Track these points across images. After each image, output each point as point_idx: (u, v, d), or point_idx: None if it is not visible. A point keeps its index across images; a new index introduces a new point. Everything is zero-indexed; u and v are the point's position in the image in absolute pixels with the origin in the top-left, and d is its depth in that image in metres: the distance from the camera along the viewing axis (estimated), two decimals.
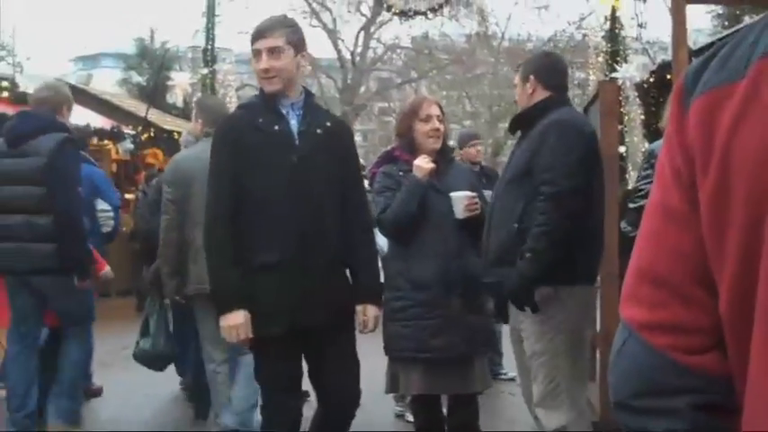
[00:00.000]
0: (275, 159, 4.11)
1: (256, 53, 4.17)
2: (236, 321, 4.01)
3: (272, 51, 4.14)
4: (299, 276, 4.06)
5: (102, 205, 7.06)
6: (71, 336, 6.08)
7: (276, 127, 4.15)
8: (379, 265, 4.81)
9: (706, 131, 1.12)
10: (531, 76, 4.51)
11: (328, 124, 4.30)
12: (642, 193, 4.11)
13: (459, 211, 4.77)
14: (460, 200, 4.77)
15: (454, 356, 4.74)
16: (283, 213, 4.08)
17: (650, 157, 4.20)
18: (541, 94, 4.48)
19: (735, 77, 1.11)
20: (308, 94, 4.32)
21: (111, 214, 7.19)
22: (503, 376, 7.88)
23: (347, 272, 4.34)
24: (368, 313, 4.28)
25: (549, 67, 4.59)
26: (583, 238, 4.17)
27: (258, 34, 4.21)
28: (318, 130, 4.24)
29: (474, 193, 4.84)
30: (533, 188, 4.19)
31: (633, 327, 1.21)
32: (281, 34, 4.16)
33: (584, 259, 4.28)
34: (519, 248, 4.16)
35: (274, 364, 4.19)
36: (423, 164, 4.79)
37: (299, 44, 4.20)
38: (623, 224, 4.10)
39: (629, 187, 13.05)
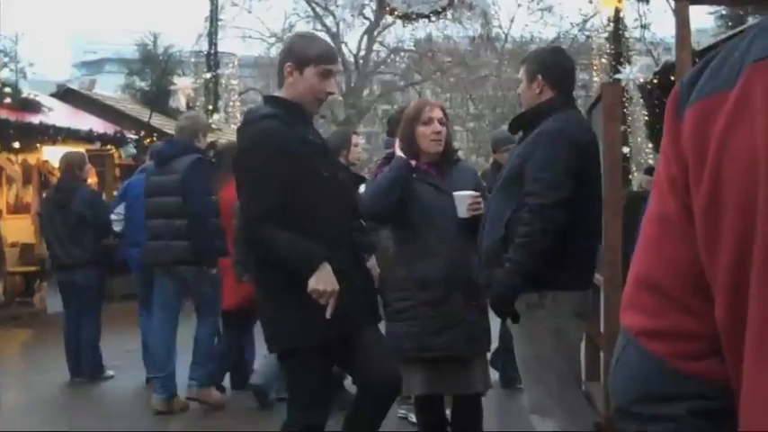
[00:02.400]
0: (322, 171, 4.15)
1: (328, 74, 4.20)
2: (326, 274, 3.92)
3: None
4: (354, 282, 4.12)
5: None
6: (204, 315, 7.36)
7: (318, 141, 4.26)
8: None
9: (699, 140, 1.12)
10: (539, 76, 4.41)
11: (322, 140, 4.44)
12: None
13: (463, 211, 4.76)
14: (464, 199, 4.77)
15: (455, 356, 4.73)
16: (332, 223, 4.13)
17: None
18: (547, 94, 4.42)
19: (727, 85, 1.11)
20: None
21: None
22: (520, 386, 7.81)
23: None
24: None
25: (557, 66, 4.49)
26: (570, 245, 4.13)
27: (335, 56, 4.36)
28: (321, 141, 4.38)
29: (477, 193, 4.82)
30: (522, 195, 4.16)
31: (632, 334, 1.21)
32: None
33: (573, 266, 4.23)
34: (503, 254, 4.14)
35: (321, 372, 4.18)
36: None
37: None
38: None
39: (634, 189, 13.05)
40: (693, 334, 1.14)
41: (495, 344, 6.89)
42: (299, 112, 4.17)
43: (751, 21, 13.82)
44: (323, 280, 3.91)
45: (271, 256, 4.04)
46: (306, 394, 4.17)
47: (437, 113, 4.92)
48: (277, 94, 4.27)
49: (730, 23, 17.12)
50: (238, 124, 17.17)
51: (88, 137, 13.77)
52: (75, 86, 21.14)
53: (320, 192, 4.10)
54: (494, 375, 7.44)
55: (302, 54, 4.15)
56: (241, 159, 4.19)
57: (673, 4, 7.11)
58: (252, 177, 4.04)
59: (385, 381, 4.24)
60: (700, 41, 13.13)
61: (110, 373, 8.54)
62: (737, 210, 1.06)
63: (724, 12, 17.87)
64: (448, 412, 5.16)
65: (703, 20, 20.39)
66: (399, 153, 4.85)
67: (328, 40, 31.19)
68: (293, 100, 4.16)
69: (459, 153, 5.72)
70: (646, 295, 1.20)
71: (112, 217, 8.35)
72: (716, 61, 1.16)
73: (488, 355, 5.31)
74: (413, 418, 6.08)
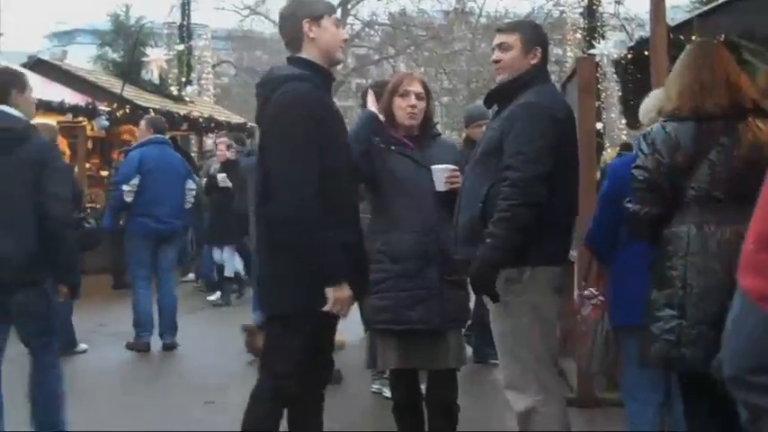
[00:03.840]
0: (343, 137, 4.23)
1: (339, 22, 4.33)
2: (348, 294, 4.01)
3: None
4: (357, 257, 4.20)
5: (190, 185, 9.39)
6: None
7: (339, 109, 4.32)
8: None
9: None
10: (539, 48, 4.39)
11: None
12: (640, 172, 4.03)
13: (440, 184, 4.77)
14: (441, 172, 4.77)
15: (429, 329, 4.73)
16: (350, 195, 4.23)
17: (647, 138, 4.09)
18: (537, 67, 4.40)
19: None
20: None
21: (195, 192, 9.58)
22: (493, 361, 7.82)
23: None
24: None
25: (546, 41, 4.52)
26: (549, 220, 4.12)
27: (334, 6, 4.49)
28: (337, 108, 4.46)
29: (455, 167, 4.81)
30: (499, 169, 4.14)
31: (752, 297, 1.11)
32: None
33: (550, 241, 4.22)
34: (482, 229, 4.13)
35: (311, 342, 4.18)
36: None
37: None
38: (630, 204, 4.02)
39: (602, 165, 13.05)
40: None
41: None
42: (325, 76, 4.22)
43: None
44: (342, 302, 4.01)
45: (302, 237, 3.99)
46: (289, 361, 4.13)
47: (415, 87, 4.91)
48: (300, 55, 4.24)
49: None
50: (211, 97, 16.97)
51: (60, 108, 13.63)
52: (46, 57, 20.88)
53: (341, 160, 4.14)
54: (468, 351, 7.48)
55: (314, 8, 4.22)
56: (275, 128, 4.09)
57: None
58: (289, 141, 4.00)
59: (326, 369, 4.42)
60: (674, 17, 13.11)
61: (83, 347, 8.50)
62: None
63: None
64: (423, 387, 5.17)
65: None
66: (371, 106, 4.92)
67: None
68: (319, 57, 4.19)
69: (439, 128, 5.70)
70: None
71: (125, 188, 8.74)
72: None
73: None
74: (387, 392, 6.09)
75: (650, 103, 4.74)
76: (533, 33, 4.48)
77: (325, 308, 3.97)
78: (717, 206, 3.81)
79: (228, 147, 11.86)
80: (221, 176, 11.47)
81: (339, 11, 33.06)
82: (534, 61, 4.38)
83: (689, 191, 3.84)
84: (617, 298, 4.57)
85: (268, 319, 4.36)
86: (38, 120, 10.67)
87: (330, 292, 3.97)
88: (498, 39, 4.46)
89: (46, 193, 4.99)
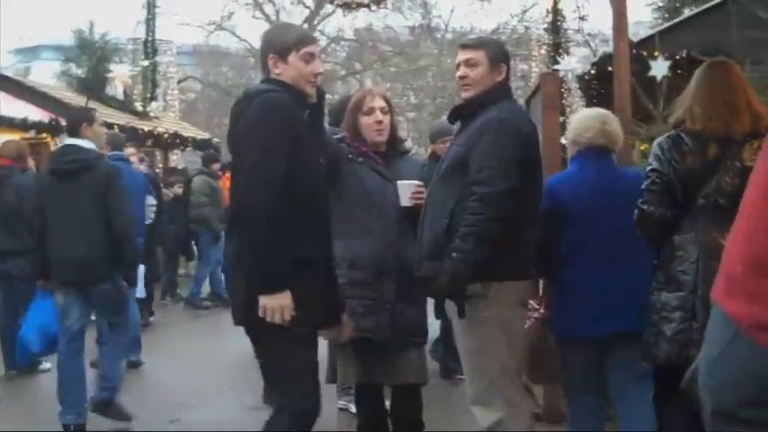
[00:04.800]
0: (318, 156, 4.21)
1: (311, 56, 4.14)
2: (286, 302, 3.84)
3: None
4: (332, 275, 4.25)
5: (151, 201, 9.90)
6: None
7: (314, 125, 4.26)
8: None
9: None
10: (504, 65, 4.44)
11: None
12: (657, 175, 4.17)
13: (405, 199, 4.78)
14: (407, 188, 4.80)
15: (381, 341, 4.70)
16: (321, 211, 4.15)
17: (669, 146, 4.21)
18: (503, 83, 4.45)
19: None
20: None
21: (155, 208, 10.33)
22: (459, 376, 7.81)
23: None
24: None
25: (509, 57, 4.58)
26: (513, 235, 4.13)
27: (313, 38, 4.41)
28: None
29: (421, 183, 4.82)
30: (465, 185, 4.15)
31: (742, 326, 1.03)
32: None
33: (515, 256, 4.23)
34: (447, 244, 4.12)
35: (311, 353, 4.09)
36: None
37: None
38: (644, 206, 4.16)
39: None
40: None
41: (436, 335, 6.95)
42: (296, 94, 4.11)
43: (687, 12, 13.97)
44: (278, 309, 3.84)
45: (250, 235, 3.89)
46: (306, 376, 4.03)
47: (378, 103, 4.92)
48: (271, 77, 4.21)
49: (667, 15, 17.29)
50: (177, 112, 16.92)
51: (23, 124, 13.57)
52: (9, 74, 20.73)
53: (315, 176, 4.11)
54: (435, 366, 7.47)
55: (281, 43, 4.14)
56: (247, 129, 4.01)
57: None
58: (260, 146, 3.90)
59: None
60: (637, 33, 13.23)
61: (47, 365, 8.39)
62: None
63: (661, 3, 18.07)
64: (388, 403, 5.16)
65: (640, 12, 20.60)
66: None
67: (268, 27, 31.15)
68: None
69: (408, 143, 5.71)
70: (763, 281, 1.03)
71: None
72: None
73: (428, 346, 5.29)
74: (353, 408, 6.07)
75: (584, 124, 4.79)
76: (499, 50, 4.53)
77: (260, 314, 3.84)
78: (725, 215, 3.90)
79: (141, 159, 11.50)
80: None
81: (305, 26, 33.15)
82: (500, 78, 4.43)
83: (699, 199, 4.02)
84: (562, 311, 4.67)
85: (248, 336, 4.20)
86: (1, 136, 10.66)
87: (261, 300, 3.84)
88: (464, 55, 4.47)
89: (112, 210, 6.24)
